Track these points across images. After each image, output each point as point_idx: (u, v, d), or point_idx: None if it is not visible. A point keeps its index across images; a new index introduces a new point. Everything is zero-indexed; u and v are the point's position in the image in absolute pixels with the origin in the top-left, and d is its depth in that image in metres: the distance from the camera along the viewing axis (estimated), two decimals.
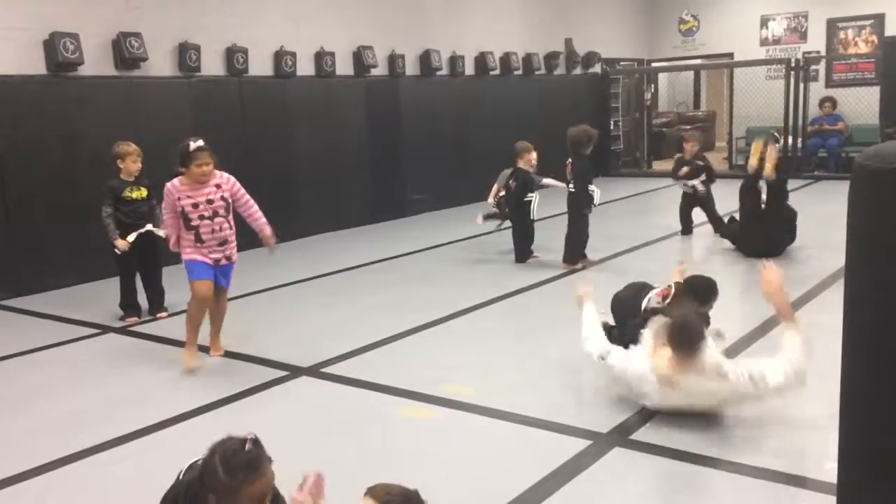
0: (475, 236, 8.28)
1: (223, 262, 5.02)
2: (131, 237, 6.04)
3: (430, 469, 3.53)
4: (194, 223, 4.87)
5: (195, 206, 4.85)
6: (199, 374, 4.88)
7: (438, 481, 3.42)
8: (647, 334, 3.95)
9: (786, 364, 3.60)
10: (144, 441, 3.96)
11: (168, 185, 4.92)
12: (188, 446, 3.54)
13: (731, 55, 15.32)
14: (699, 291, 4.47)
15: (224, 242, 4.98)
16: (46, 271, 7.42)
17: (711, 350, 3.73)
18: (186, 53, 8.42)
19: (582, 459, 3.53)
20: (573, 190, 7.27)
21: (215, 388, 4.60)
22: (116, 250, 6.05)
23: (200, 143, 4.79)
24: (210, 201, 4.88)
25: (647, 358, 3.79)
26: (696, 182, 8.41)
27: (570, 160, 7.33)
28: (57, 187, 7.46)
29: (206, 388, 4.61)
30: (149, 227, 6.12)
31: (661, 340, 3.81)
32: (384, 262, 8.12)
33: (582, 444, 3.67)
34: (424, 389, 4.42)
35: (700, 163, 8.53)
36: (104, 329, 6.10)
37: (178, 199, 4.84)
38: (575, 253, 7.33)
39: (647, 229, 9.14)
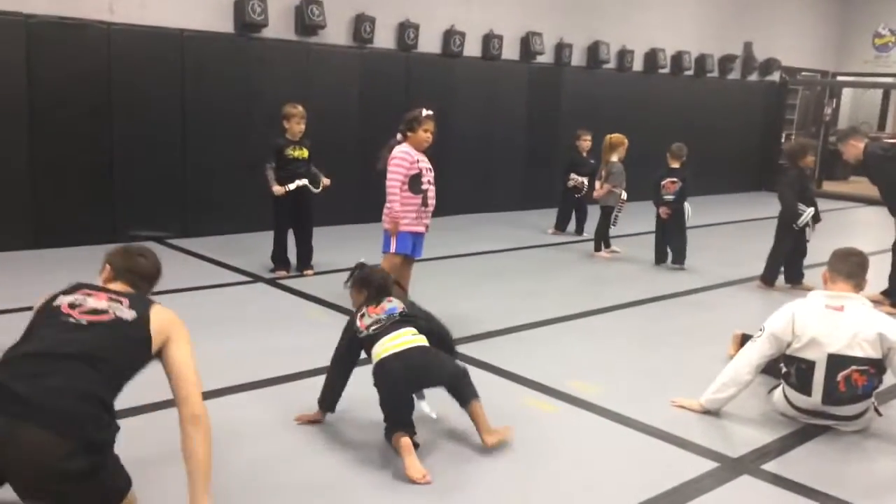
0: (627, 235, 8.07)
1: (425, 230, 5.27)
2: (291, 186, 6.35)
3: (544, 463, 3.50)
4: (424, 186, 5.10)
5: (428, 169, 5.12)
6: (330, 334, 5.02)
7: (549, 476, 3.39)
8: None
9: None
10: (274, 389, 4.15)
11: (399, 150, 5.04)
12: (313, 400, 3.70)
13: None
14: None
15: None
16: (211, 217, 7.94)
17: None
18: (362, 25, 8.69)
19: (704, 481, 3.36)
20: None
21: None
22: (276, 193, 6.35)
23: (430, 111, 5.06)
24: (430, 168, 5.15)
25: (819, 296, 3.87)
26: None
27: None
28: (230, 140, 7.94)
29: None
30: (304, 181, 6.41)
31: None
32: (528, 249, 8.10)
33: (707, 464, 3.50)
34: (550, 383, 4.37)
35: None
36: (255, 278, 6.45)
37: (416, 161, 5.05)
38: (772, 273, 6.89)
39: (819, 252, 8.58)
